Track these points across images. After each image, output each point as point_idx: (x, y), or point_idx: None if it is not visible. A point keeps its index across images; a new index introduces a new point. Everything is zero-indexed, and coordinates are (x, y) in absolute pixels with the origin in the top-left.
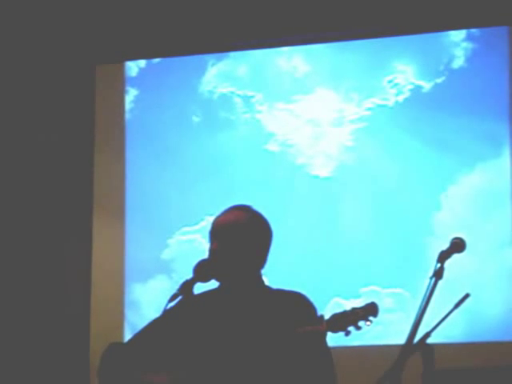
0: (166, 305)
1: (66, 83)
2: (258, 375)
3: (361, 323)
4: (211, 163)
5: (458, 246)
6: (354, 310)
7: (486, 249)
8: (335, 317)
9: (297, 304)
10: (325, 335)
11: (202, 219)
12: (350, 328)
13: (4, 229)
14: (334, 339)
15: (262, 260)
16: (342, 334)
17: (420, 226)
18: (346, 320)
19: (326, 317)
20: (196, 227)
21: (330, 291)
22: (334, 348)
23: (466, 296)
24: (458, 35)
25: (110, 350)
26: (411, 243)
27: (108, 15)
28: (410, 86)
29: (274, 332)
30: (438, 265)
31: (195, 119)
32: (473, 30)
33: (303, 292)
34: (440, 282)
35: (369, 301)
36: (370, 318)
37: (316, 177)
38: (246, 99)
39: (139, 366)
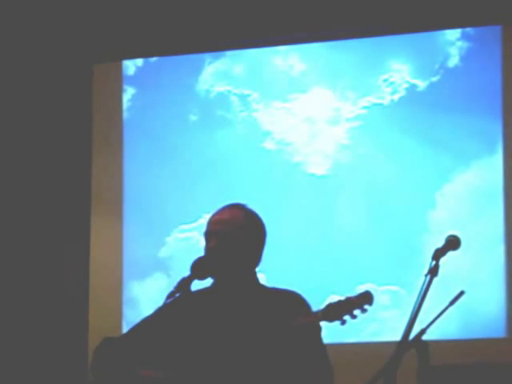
0: (164, 302)
1: (63, 82)
2: (253, 371)
3: (356, 312)
4: (208, 161)
5: (452, 243)
6: (348, 299)
7: (480, 246)
8: (330, 306)
9: (292, 302)
10: (320, 327)
11: (200, 217)
12: (346, 317)
13: (3, 227)
14: (330, 336)
15: (256, 258)
16: (338, 326)
17: (415, 224)
18: (342, 309)
19: (322, 306)
20: (193, 225)
21: (327, 288)
22: (330, 345)
23: (461, 293)
24: (452, 34)
25: (104, 345)
26: (407, 241)
27: (105, 14)
28: (406, 85)
29: (269, 329)
30: (433, 262)
31: (192, 118)
32: (467, 29)
33: (297, 289)
34: (435, 280)
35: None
36: (365, 306)
37: (312, 175)
38: (243, 98)
39: (133, 361)
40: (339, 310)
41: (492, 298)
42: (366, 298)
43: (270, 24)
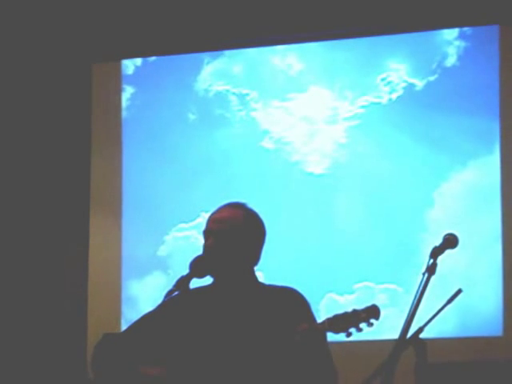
0: (163, 300)
1: (62, 82)
2: (252, 369)
3: (362, 325)
4: (207, 160)
5: (450, 241)
6: (355, 311)
7: (477, 245)
8: (337, 317)
9: (290, 299)
10: (325, 334)
11: (198, 216)
12: (351, 329)
13: (2, 226)
14: (328, 334)
15: (255, 257)
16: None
17: (413, 223)
18: (348, 321)
19: (328, 316)
20: (192, 224)
21: (325, 287)
22: (328, 343)
23: (459, 292)
24: (450, 34)
25: (104, 341)
26: (404, 239)
27: (104, 14)
28: (403, 84)
29: (269, 328)
30: (431, 261)
31: (191, 117)
32: (465, 29)
33: (296, 287)
34: (433, 278)
35: (363, 297)
36: (372, 320)
37: (310, 174)
38: (241, 97)
39: (132, 357)
40: (345, 323)
41: (489, 296)
42: (373, 313)
43: (269, 24)
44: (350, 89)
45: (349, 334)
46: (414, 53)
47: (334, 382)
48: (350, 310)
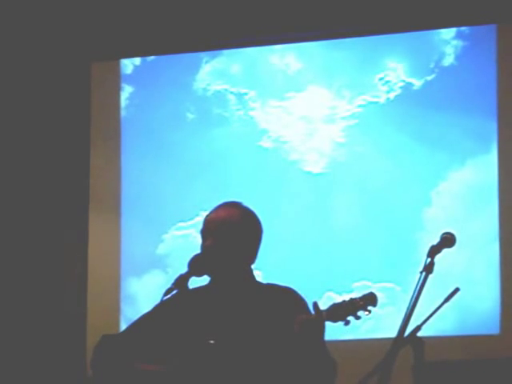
0: (161, 299)
1: (61, 81)
2: (251, 367)
3: (360, 313)
4: (205, 159)
5: (448, 240)
6: (352, 300)
7: (475, 243)
8: (334, 306)
9: (288, 298)
10: (323, 325)
11: (197, 214)
12: (349, 318)
13: (1, 226)
14: (326, 333)
15: (252, 255)
16: (340, 324)
17: (411, 222)
18: (346, 310)
19: (325, 306)
20: (191, 222)
21: (323, 286)
22: (326, 342)
23: (456, 290)
24: (448, 33)
25: (103, 342)
26: (402, 238)
27: (103, 13)
28: (401, 84)
29: (266, 326)
30: (429, 259)
31: (189, 116)
32: (462, 28)
33: (293, 287)
34: (430, 277)
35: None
36: (369, 307)
37: (309, 173)
38: (240, 96)
39: (132, 357)
40: (343, 311)
41: (487, 294)
42: (370, 300)
43: (267, 23)
44: (348, 88)
45: (347, 323)
46: (412, 52)
47: (334, 372)
48: (347, 298)
